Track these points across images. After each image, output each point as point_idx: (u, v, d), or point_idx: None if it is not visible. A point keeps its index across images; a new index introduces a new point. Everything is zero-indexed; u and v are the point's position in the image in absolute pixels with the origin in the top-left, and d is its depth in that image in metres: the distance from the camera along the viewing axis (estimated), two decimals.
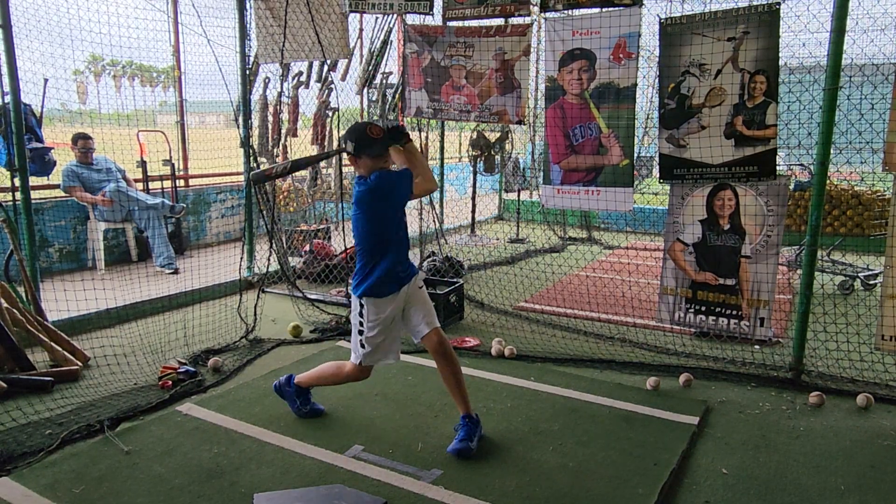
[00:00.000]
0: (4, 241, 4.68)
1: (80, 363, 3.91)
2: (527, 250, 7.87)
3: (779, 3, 3.80)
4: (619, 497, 2.65)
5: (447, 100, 5.20)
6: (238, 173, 7.37)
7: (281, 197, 7.10)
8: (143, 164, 6.89)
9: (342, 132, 3.13)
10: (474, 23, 5.08)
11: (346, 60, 5.57)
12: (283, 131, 5.74)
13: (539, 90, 6.19)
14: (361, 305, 2.97)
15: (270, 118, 5.70)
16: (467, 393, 3.07)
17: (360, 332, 3.00)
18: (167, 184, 7.13)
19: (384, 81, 5.83)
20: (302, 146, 5.93)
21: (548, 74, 4.73)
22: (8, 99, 4.16)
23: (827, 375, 3.93)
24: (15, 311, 3.98)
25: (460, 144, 9.15)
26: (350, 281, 3.12)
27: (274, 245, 5.44)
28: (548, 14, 4.66)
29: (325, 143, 5.80)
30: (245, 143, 5.54)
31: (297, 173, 6.36)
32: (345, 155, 3.08)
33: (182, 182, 7.63)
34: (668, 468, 2.85)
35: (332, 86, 5.66)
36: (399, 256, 2.98)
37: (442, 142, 9.18)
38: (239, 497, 2.62)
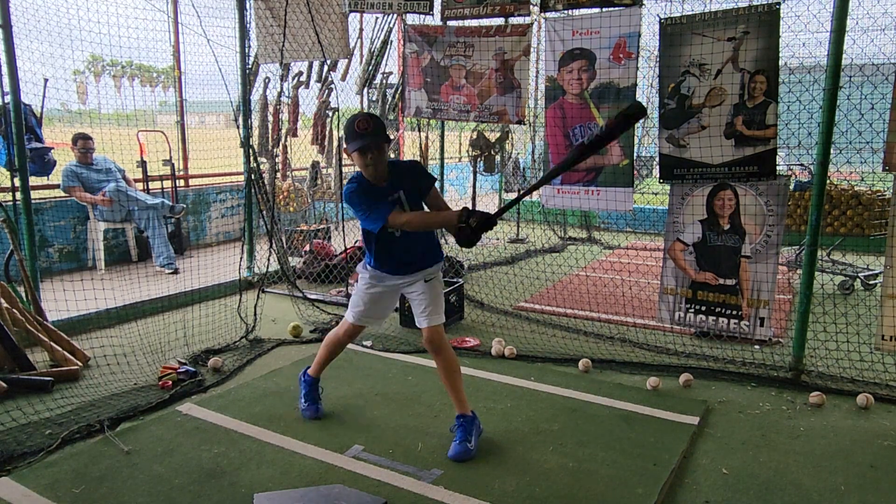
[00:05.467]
0: (4, 241, 4.68)
1: (80, 363, 3.91)
2: (527, 250, 7.87)
3: (779, 3, 3.80)
4: (619, 497, 2.65)
5: (447, 100, 5.20)
6: (238, 173, 7.36)
7: (281, 197, 7.10)
8: (143, 164, 6.89)
9: (342, 132, 3.13)
10: (474, 22, 5.08)
11: (347, 60, 5.56)
12: (283, 131, 5.73)
13: (539, 90, 6.18)
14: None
15: (270, 118, 5.69)
16: (464, 392, 3.05)
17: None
18: (167, 184, 7.13)
19: (384, 81, 5.83)
20: (302, 146, 5.93)
21: (548, 74, 4.73)
22: (8, 99, 4.16)
23: (827, 375, 3.93)
24: (15, 311, 3.98)
25: (460, 144, 9.13)
26: None
27: (274, 245, 5.44)
28: (548, 14, 4.66)
29: (325, 143, 5.80)
30: (245, 143, 5.54)
31: (297, 173, 6.36)
32: (344, 154, 3.08)
33: (182, 182, 7.63)
34: (668, 468, 2.86)
35: (332, 86, 5.65)
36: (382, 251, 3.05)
37: (442, 142, 9.17)
38: (239, 497, 2.62)
